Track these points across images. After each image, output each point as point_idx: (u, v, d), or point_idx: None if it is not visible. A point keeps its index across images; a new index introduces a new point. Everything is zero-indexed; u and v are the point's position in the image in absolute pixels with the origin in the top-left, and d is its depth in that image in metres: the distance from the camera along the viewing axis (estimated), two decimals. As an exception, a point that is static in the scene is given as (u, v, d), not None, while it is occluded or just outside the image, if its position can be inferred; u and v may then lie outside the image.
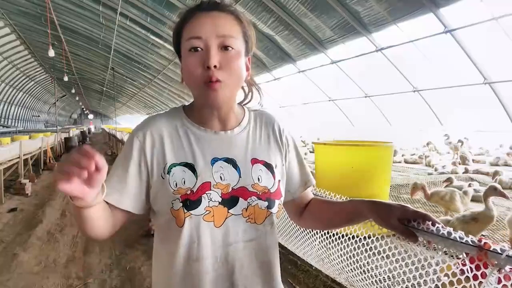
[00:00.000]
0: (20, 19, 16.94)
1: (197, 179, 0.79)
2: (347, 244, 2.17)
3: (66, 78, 18.43)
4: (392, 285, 1.91)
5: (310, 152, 10.81)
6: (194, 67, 0.76)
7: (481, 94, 7.74)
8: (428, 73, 9.36)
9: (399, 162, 9.22)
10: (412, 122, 11.92)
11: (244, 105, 0.92)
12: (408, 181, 5.79)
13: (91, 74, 28.90)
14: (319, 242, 2.52)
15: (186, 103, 0.91)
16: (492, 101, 7.63)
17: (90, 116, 58.56)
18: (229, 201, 0.79)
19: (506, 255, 0.66)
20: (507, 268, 0.68)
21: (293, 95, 15.09)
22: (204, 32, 0.76)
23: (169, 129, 0.84)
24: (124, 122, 49.59)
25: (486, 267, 0.70)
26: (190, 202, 0.77)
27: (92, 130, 42.47)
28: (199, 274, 0.77)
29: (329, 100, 13.06)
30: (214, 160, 0.81)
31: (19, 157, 7.15)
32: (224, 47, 0.76)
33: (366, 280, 2.16)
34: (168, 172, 0.79)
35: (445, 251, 0.83)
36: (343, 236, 2.22)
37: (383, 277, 1.96)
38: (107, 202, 0.78)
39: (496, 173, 5.82)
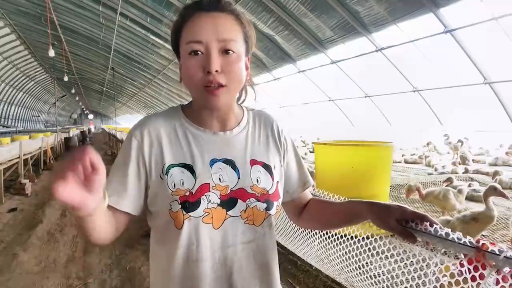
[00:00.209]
0: (20, 19, 16.94)
1: (196, 180, 0.78)
2: (347, 244, 2.17)
3: (66, 78, 18.44)
4: (392, 285, 1.91)
5: (310, 152, 10.81)
6: (195, 71, 0.75)
7: (481, 94, 7.74)
8: (428, 73, 9.36)
9: (399, 162, 9.22)
10: (412, 122, 11.92)
11: (240, 104, 0.92)
12: (408, 181, 5.79)
13: (91, 74, 28.89)
14: (319, 242, 2.53)
15: (185, 103, 0.90)
16: (492, 101, 7.63)
17: (90, 116, 58.55)
18: (228, 202, 0.79)
19: (504, 256, 0.66)
20: (505, 269, 0.68)
21: (293, 95, 15.08)
22: (204, 36, 0.75)
23: (167, 129, 0.83)
24: (124, 122, 49.57)
25: (484, 268, 0.70)
26: (189, 204, 0.76)
27: (92, 130, 42.45)
28: (198, 275, 0.77)
29: (329, 100, 13.06)
30: (213, 161, 0.81)
31: (19, 157, 7.15)
32: (225, 51, 0.75)
33: (366, 280, 2.16)
34: (166, 173, 0.78)
35: (444, 252, 0.83)
36: (342, 236, 2.22)
37: (383, 277, 1.96)
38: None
39: (496, 173, 5.82)
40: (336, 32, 9.25)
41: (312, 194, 1.02)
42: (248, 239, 0.81)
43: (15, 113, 33.30)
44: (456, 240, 0.72)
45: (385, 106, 11.51)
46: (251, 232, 0.81)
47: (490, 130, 10.17)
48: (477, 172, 6.99)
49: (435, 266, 1.07)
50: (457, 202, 3.84)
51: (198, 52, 0.75)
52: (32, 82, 32.48)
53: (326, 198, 1.66)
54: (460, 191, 3.95)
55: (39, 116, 43.92)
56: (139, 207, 0.82)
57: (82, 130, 24.66)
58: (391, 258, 1.58)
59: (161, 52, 16.06)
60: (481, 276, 0.71)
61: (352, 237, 2.11)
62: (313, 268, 2.79)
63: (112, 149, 14.96)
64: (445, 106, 9.97)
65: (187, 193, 0.77)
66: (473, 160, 8.59)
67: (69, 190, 0.56)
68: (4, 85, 26.48)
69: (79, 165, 0.56)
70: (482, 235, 3.33)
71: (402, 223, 0.77)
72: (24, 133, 19.45)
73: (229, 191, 0.79)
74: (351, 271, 2.26)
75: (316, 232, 2.53)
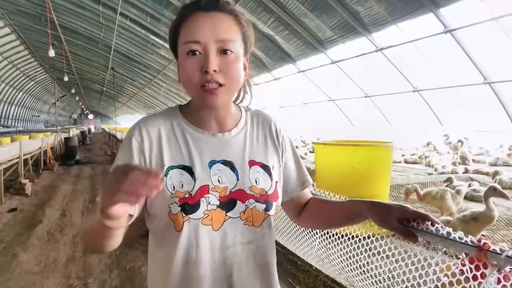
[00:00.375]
0: (20, 19, 16.94)
1: (195, 182, 0.78)
2: (347, 244, 2.17)
3: (66, 78, 18.44)
4: (392, 285, 1.91)
5: (310, 152, 10.81)
6: (192, 71, 0.75)
7: (481, 94, 7.74)
8: (428, 73, 9.36)
9: (399, 162, 9.22)
10: (412, 122, 11.93)
11: (238, 104, 0.91)
12: (408, 181, 5.79)
13: (91, 74, 28.90)
14: (319, 242, 2.52)
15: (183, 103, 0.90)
16: (492, 101, 7.63)
17: (90, 116, 58.51)
18: (227, 204, 0.78)
19: (506, 256, 0.66)
20: (507, 268, 0.68)
21: (293, 95, 15.09)
22: (203, 36, 0.74)
23: (166, 129, 0.82)
24: (124, 122, 49.57)
25: (485, 268, 0.70)
26: (189, 206, 0.76)
27: (92, 130, 42.45)
28: (197, 277, 0.77)
29: (329, 100, 13.06)
30: (212, 163, 0.80)
31: (19, 157, 7.15)
32: (223, 51, 0.75)
33: (366, 280, 2.16)
34: (166, 175, 0.78)
35: (445, 251, 0.83)
36: (343, 236, 2.22)
37: (383, 277, 1.96)
38: None
39: (496, 173, 5.83)
40: (336, 32, 9.26)
41: (312, 194, 1.01)
42: (247, 240, 0.80)
43: (15, 113, 33.30)
44: (458, 239, 0.72)
45: (385, 106, 11.52)
46: (251, 233, 0.81)
47: (490, 130, 10.18)
48: (477, 172, 7.00)
49: (436, 266, 1.07)
50: (453, 204, 3.82)
51: (196, 52, 0.74)
52: (32, 82, 32.48)
53: (327, 197, 1.66)
54: (458, 192, 3.93)
55: (39, 116, 43.92)
56: (140, 209, 0.81)
57: (82, 130, 24.66)
58: (392, 257, 1.58)
59: (161, 52, 16.06)
60: (483, 275, 0.71)
61: (352, 237, 2.11)
62: (313, 268, 2.78)
63: (112, 149, 14.97)
64: (445, 106, 9.98)
65: (187, 195, 0.76)
66: (473, 160, 8.59)
67: (121, 204, 0.55)
68: (4, 85, 26.48)
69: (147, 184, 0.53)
70: (482, 235, 3.33)
71: (404, 223, 0.77)
72: (24, 133, 19.46)
73: (228, 192, 0.79)
74: (351, 271, 2.26)
75: (316, 232, 2.53)
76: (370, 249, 1.90)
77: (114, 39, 16.20)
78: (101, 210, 0.58)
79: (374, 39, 8.73)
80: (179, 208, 0.75)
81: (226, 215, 0.78)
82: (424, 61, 8.91)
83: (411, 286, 1.52)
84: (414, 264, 1.38)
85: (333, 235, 2.33)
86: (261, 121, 0.91)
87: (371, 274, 2.10)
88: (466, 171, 7.09)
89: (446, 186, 4.61)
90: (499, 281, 0.69)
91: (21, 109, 35.08)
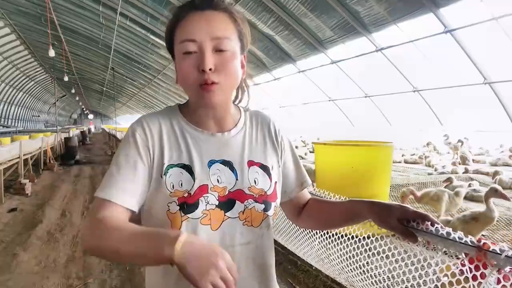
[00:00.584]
0: (20, 19, 16.94)
1: (194, 181, 0.77)
2: (347, 244, 2.16)
3: (66, 78, 18.43)
4: (392, 285, 1.91)
5: (310, 152, 10.80)
6: (189, 71, 0.75)
7: (481, 94, 7.74)
8: (428, 73, 9.36)
9: (399, 162, 9.21)
10: (412, 122, 11.93)
11: (236, 104, 0.91)
12: (408, 181, 5.79)
13: (91, 74, 28.90)
14: (319, 242, 2.52)
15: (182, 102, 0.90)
16: (492, 101, 7.64)
17: (90, 116, 58.51)
18: (226, 204, 0.78)
19: (505, 256, 0.66)
20: (507, 268, 0.68)
21: (293, 95, 15.09)
22: (198, 35, 0.74)
23: (166, 128, 0.82)
24: (124, 122, 49.57)
25: (485, 268, 0.70)
26: (188, 205, 0.75)
27: (92, 130, 42.45)
28: None
29: (329, 100, 13.06)
30: (211, 162, 0.80)
31: (19, 157, 7.15)
32: (219, 49, 0.75)
33: (366, 280, 2.16)
34: (165, 173, 0.78)
35: (445, 251, 0.83)
36: (343, 236, 2.22)
37: (383, 277, 1.96)
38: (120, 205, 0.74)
39: (496, 173, 5.82)
40: (336, 32, 9.26)
41: (312, 194, 1.02)
42: (246, 241, 0.80)
43: (15, 113, 33.30)
44: (458, 239, 0.72)
45: (385, 106, 11.52)
46: (250, 233, 0.81)
47: (490, 130, 10.18)
48: (477, 172, 6.99)
49: (436, 266, 1.07)
50: (446, 206, 3.78)
51: (192, 51, 0.74)
52: (32, 82, 32.48)
53: (327, 198, 1.65)
54: (457, 194, 3.89)
55: (39, 116, 43.92)
56: (140, 206, 0.80)
57: (82, 130, 24.65)
58: (392, 257, 1.58)
59: (161, 52, 16.05)
60: (482, 275, 0.71)
61: (352, 237, 2.11)
62: (313, 268, 2.78)
63: (112, 149, 14.97)
64: (445, 106, 9.98)
65: (186, 194, 0.76)
66: (473, 160, 8.58)
67: None
68: (4, 85, 26.48)
69: None
70: (482, 235, 3.33)
71: (403, 223, 0.77)
72: (24, 133, 19.46)
73: (227, 192, 0.79)
74: (351, 271, 2.26)
75: (316, 232, 2.53)
76: (370, 249, 1.89)
77: (114, 39, 16.20)
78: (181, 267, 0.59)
79: (374, 39, 8.73)
80: (178, 207, 0.75)
81: (225, 215, 0.78)
82: (424, 61, 8.91)
83: (410, 286, 1.52)
84: (414, 264, 1.38)
85: (333, 235, 2.33)
86: (260, 121, 0.91)
87: (371, 274, 2.10)
88: (466, 171, 7.08)
89: (446, 186, 4.60)
90: (498, 281, 0.69)
91: (21, 109, 35.08)
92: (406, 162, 9.31)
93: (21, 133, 21.49)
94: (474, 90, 7.95)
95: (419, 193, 4.00)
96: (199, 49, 0.74)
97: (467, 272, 0.74)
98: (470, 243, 0.71)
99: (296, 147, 10.78)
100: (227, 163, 0.81)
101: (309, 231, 2.62)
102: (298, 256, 2.97)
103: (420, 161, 9.11)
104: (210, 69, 0.73)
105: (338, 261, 2.36)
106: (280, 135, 0.92)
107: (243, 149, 0.85)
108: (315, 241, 2.58)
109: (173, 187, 0.77)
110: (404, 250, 1.57)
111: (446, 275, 0.86)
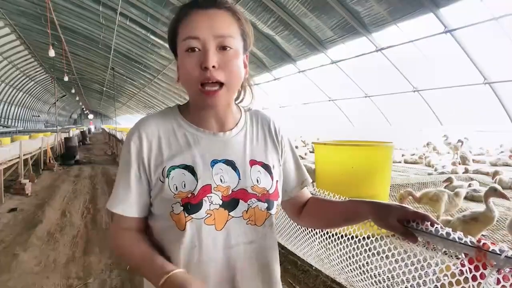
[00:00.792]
0: (20, 19, 16.93)
1: (197, 181, 0.77)
2: (347, 244, 2.16)
3: (66, 78, 18.42)
4: (392, 285, 1.91)
5: (310, 152, 10.80)
6: (192, 68, 0.74)
7: (481, 94, 7.74)
8: (428, 73, 9.36)
9: (399, 162, 9.21)
10: (412, 122, 11.92)
11: (238, 104, 0.91)
12: (408, 181, 5.78)
13: (91, 74, 28.88)
14: (319, 242, 2.52)
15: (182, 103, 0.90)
16: (492, 101, 7.63)
17: (90, 116, 58.40)
18: (230, 203, 0.78)
19: (505, 256, 0.66)
20: (506, 269, 0.68)
21: (293, 95, 15.08)
22: (201, 33, 0.74)
23: (165, 130, 0.82)
24: (124, 122, 49.57)
25: (485, 268, 0.70)
26: (191, 205, 0.76)
27: (92, 130, 42.47)
28: (200, 277, 0.76)
29: (329, 100, 13.06)
30: (214, 162, 0.80)
31: (19, 157, 7.15)
32: (222, 47, 0.75)
33: (366, 280, 2.16)
34: (167, 176, 0.78)
35: (445, 251, 0.83)
36: (343, 236, 2.22)
37: (383, 277, 1.96)
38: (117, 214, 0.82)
39: (496, 173, 5.82)
40: (336, 32, 9.25)
41: (312, 194, 1.02)
42: (250, 240, 0.80)
43: (15, 113, 33.28)
44: (457, 239, 0.72)
45: (385, 106, 11.51)
46: (253, 233, 0.81)
47: (490, 130, 10.18)
48: (477, 172, 6.98)
49: (436, 266, 1.07)
50: (449, 206, 3.78)
51: (195, 48, 0.74)
52: (32, 82, 32.46)
53: (327, 197, 1.65)
54: (457, 194, 3.89)
55: (39, 116, 43.90)
56: (145, 210, 0.82)
57: (82, 130, 24.66)
58: (392, 257, 1.58)
59: (161, 52, 16.05)
60: (482, 276, 0.71)
61: (352, 237, 2.11)
62: (313, 268, 2.78)
63: (112, 149, 14.97)
64: (445, 106, 9.97)
65: (189, 195, 0.76)
66: (473, 160, 8.58)
67: None
68: (4, 85, 26.47)
69: None
70: (482, 235, 3.33)
71: (403, 223, 0.77)
72: (24, 133, 19.47)
73: (230, 192, 0.79)
74: (351, 271, 2.26)
75: (316, 232, 2.53)
76: (370, 249, 1.89)
77: (114, 39, 16.19)
78: None
79: (374, 39, 8.72)
80: (182, 208, 0.75)
81: (229, 214, 0.78)
82: (424, 61, 8.90)
83: (410, 286, 1.52)
84: (414, 264, 1.38)
85: (333, 235, 2.33)
86: (260, 120, 0.91)
87: (371, 274, 2.10)
88: (466, 171, 7.08)
89: (446, 186, 4.60)
90: (498, 282, 0.69)
91: (21, 109, 35.06)
92: (406, 162, 9.30)
93: (21, 133, 21.50)
94: (474, 90, 7.94)
95: (418, 194, 3.99)
96: (202, 46, 0.74)
97: (466, 272, 0.74)
98: (470, 244, 0.71)
99: (296, 147, 10.78)
100: (230, 163, 0.81)
101: (309, 231, 2.62)
102: (298, 256, 2.97)
103: (420, 161, 9.10)
104: (213, 67, 0.73)
105: (338, 261, 2.35)
106: (280, 134, 0.92)
107: (244, 148, 0.85)
108: (315, 241, 2.58)
109: (176, 188, 0.77)
110: (404, 250, 1.57)
111: (446, 275, 0.86)
